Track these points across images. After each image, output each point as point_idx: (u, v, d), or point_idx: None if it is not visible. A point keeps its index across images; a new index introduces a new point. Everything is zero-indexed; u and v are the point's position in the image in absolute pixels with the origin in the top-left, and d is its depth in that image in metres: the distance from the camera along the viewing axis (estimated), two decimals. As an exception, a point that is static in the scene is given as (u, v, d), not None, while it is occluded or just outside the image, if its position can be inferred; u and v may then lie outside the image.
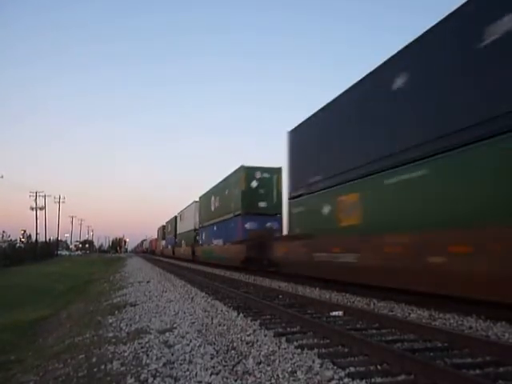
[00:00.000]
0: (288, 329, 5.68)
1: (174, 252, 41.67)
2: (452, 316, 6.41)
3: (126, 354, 4.72)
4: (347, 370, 3.76)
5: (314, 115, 12.08)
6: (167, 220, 50.72)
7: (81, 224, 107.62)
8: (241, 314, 6.84)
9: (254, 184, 19.52)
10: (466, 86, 6.68)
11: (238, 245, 19.10)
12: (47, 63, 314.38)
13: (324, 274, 10.60)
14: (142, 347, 4.93)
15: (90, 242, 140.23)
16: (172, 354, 4.48)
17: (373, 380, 3.55)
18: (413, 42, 8.03)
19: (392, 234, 7.95)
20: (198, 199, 31.50)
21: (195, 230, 31.03)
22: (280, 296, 9.24)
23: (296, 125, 13.16)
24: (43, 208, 61.01)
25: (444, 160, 6.89)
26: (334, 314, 6.69)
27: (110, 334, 6.05)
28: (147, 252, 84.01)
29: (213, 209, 25.52)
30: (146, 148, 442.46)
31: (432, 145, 7.11)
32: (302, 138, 12.79)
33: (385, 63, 8.90)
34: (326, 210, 10.53)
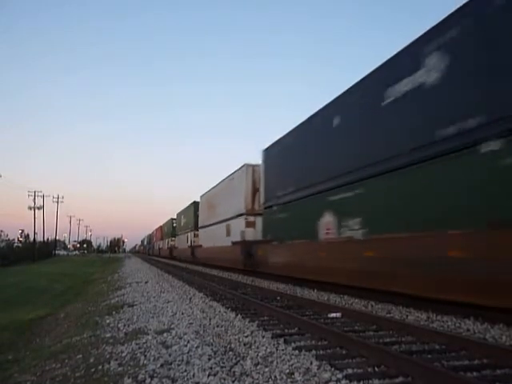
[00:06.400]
0: (286, 330, 5.68)
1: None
2: (450, 318, 6.41)
3: (123, 355, 4.72)
4: (345, 372, 3.76)
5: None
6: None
7: (79, 224, 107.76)
8: (239, 315, 6.83)
9: None
10: None
11: None
12: (49, 63, 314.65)
13: None
14: (139, 348, 4.93)
15: (88, 242, 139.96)
16: (170, 355, 4.48)
17: (370, 382, 3.55)
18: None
19: None
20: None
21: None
22: (278, 297, 9.23)
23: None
24: (41, 207, 60.88)
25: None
26: (332, 315, 6.70)
27: (108, 335, 6.04)
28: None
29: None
30: (145, 148, 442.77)
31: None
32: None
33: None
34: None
